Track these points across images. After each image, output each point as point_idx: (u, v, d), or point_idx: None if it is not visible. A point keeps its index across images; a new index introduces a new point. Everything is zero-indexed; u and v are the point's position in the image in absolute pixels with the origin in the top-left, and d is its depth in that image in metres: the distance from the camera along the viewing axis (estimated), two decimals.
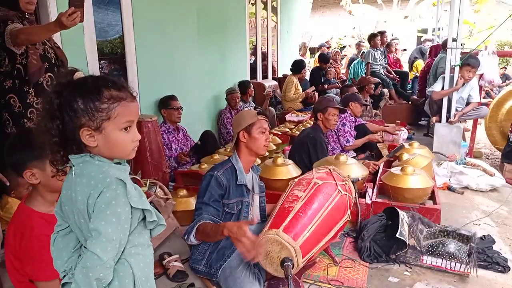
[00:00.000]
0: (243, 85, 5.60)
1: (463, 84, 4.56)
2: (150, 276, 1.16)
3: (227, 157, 2.37)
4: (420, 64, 8.12)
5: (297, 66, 6.70)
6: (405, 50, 10.31)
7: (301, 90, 6.65)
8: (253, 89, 5.83)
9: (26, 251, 1.52)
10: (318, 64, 7.95)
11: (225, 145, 4.62)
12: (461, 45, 4.67)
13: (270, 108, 6.14)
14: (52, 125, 1.04)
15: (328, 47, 11.02)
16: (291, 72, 6.68)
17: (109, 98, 1.04)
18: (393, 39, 8.84)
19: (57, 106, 1.04)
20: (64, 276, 1.17)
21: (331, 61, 8.52)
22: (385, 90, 6.60)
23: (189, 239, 2.01)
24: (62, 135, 1.05)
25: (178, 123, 4.04)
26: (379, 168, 3.44)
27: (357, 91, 5.47)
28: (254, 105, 5.78)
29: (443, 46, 5.83)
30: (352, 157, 3.66)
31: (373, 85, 5.82)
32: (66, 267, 1.17)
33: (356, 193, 2.34)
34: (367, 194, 2.88)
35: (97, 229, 1.01)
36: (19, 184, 2.29)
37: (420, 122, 6.60)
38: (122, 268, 1.08)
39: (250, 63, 6.98)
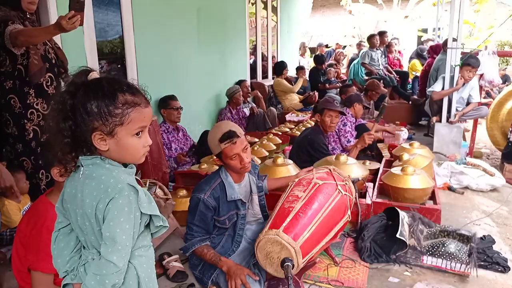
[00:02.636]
0: (238, 84, 5.62)
1: (463, 84, 4.56)
2: (152, 277, 1.17)
3: None
4: (415, 64, 8.11)
5: (278, 69, 6.91)
6: (404, 49, 10.31)
7: (289, 85, 6.71)
8: (249, 89, 5.84)
9: (34, 239, 1.57)
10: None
11: None
12: (462, 45, 4.66)
13: (271, 108, 6.14)
14: (64, 125, 1.03)
15: (327, 46, 11.05)
16: (275, 76, 6.90)
17: (123, 103, 1.03)
18: (393, 39, 8.84)
19: (70, 107, 1.02)
20: (65, 276, 1.18)
21: (333, 61, 8.52)
22: (387, 98, 6.50)
23: (184, 254, 2.13)
24: (74, 136, 1.03)
25: (178, 123, 4.04)
26: (379, 168, 3.44)
27: (356, 91, 5.46)
28: (254, 105, 5.78)
29: (444, 46, 5.83)
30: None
31: (379, 93, 5.75)
32: (68, 267, 1.17)
33: (357, 193, 2.33)
34: (367, 194, 2.88)
35: (113, 237, 1.01)
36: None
37: (420, 122, 6.60)
38: (126, 270, 1.09)
39: (250, 63, 6.99)
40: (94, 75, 1.06)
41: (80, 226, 1.09)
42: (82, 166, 1.07)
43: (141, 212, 1.07)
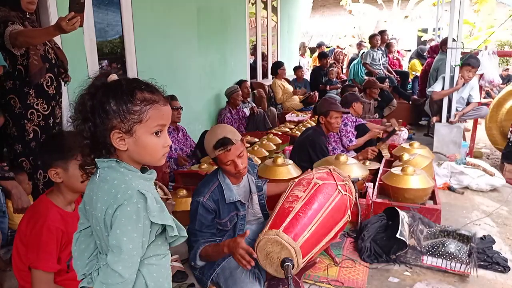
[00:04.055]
0: (239, 84, 5.64)
1: (463, 84, 4.56)
2: (165, 286, 1.13)
3: None
4: (415, 64, 8.12)
5: (274, 69, 6.94)
6: (409, 50, 10.31)
7: (290, 88, 6.68)
8: (250, 89, 5.83)
9: (35, 238, 1.58)
10: (318, 63, 7.95)
11: None
12: (462, 43, 4.66)
13: (271, 108, 6.14)
14: (84, 127, 1.02)
15: (328, 46, 11.05)
16: (273, 76, 6.94)
17: (142, 100, 1.02)
18: (391, 39, 8.85)
19: (90, 108, 1.01)
20: (83, 278, 1.16)
21: (333, 61, 8.53)
22: (394, 101, 6.46)
23: (196, 264, 2.00)
24: (93, 138, 1.02)
25: (178, 123, 4.04)
26: (379, 168, 3.44)
27: (356, 91, 5.47)
28: (254, 104, 5.78)
29: (441, 46, 5.83)
30: (353, 157, 3.66)
31: (378, 90, 5.79)
32: (87, 270, 1.15)
33: (357, 193, 2.33)
34: (367, 194, 2.88)
35: (119, 245, 0.99)
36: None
37: (420, 122, 6.60)
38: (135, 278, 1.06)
39: (250, 63, 6.99)
40: (114, 77, 1.05)
41: (95, 229, 1.08)
42: (99, 168, 1.06)
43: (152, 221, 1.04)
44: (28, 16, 2.44)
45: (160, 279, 1.10)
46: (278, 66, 6.85)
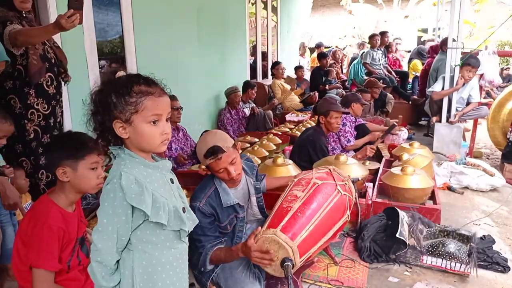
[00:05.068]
0: (244, 85, 5.62)
1: (463, 84, 4.56)
2: (154, 278, 1.16)
3: None
4: (416, 64, 8.12)
5: (271, 69, 6.93)
6: (409, 51, 10.29)
7: (289, 87, 6.69)
8: (254, 94, 5.80)
9: (36, 237, 1.59)
10: (317, 64, 7.94)
11: None
12: (462, 43, 4.66)
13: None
14: (94, 119, 1.15)
15: (327, 47, 11.04)
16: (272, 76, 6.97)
17: (137, 92, 1.12)
18: (395, 39, 8.84)
19: (99, 102, 1.13)
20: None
21: (333, 61, 8.52)
22: (390, 95, 6.45)
23: (206, 269, 1.97)
24: (102, 129, 1.14)
25: (178, 123, 4.04)
26: (379, 168, 3.44)
27: (369, 98, 5.47)
28: (254, 105, 5.77)
29: (442, 46, 5.83)
30: (351, 156, 3.66)
31: (379, 89, 5.79)
32: None
33: (356, 193, 2.32)
34: (367, 194, 2.88)
35: (98, 217, 1.12)
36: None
37: (420, 122, 6.60)
38: (126, 257, 1.15)
39: (250, 63, 6.98)
40: (121, 73, 1.16)
41: None
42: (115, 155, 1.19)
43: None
44: (25, 15, 2.43)
45: (149, 269, 1.16)
46: (272, 66, 6.87)
